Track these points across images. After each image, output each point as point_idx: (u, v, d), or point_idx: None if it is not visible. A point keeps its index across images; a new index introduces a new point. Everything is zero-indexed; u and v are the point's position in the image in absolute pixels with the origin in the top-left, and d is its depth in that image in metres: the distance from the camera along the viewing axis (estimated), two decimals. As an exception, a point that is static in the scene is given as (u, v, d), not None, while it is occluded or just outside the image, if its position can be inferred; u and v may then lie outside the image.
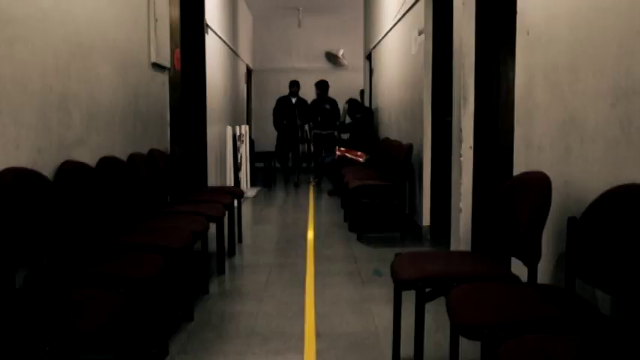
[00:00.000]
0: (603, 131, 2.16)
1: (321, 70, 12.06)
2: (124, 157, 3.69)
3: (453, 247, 4.23)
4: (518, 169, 3.03)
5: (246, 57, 10.89)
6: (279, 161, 10.13)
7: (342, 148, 8.03)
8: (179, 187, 4.64)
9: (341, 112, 9.60)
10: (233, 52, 8.94)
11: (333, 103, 9.64)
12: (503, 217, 2.52)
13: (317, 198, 8.39)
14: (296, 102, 9.80)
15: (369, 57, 9.93)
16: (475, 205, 3.94)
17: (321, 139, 9.62)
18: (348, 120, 9.03)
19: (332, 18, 12.29)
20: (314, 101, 9.72)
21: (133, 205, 3.51)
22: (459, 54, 4.04)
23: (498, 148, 3.63)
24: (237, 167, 7.67)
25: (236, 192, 5.18)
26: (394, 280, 2.52)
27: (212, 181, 6.80)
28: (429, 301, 2.39)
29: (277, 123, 9.87)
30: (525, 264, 2.27)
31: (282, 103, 9.90)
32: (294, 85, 9.92)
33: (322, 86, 9.67)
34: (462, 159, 3.97)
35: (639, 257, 1.68)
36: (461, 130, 3.98)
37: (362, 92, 10.91)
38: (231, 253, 4.82)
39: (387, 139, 7.14)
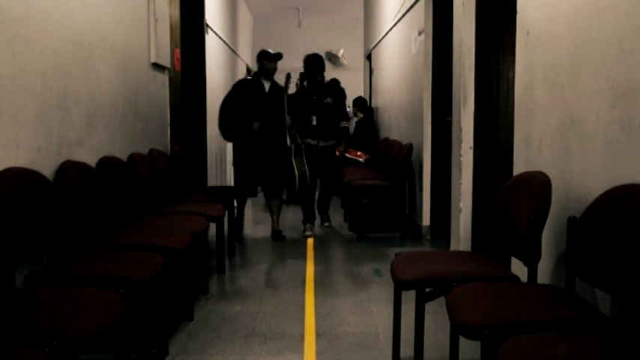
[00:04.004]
0: (603, 131, 2.16)
1: (321, 70, 12.04)
2: (124, 157, 3.69)
3: (453, 247, 4.23)
4: (518, 169, 3.03)
5: (246, 57, 10.89)
6: (243, 197, 5.60)
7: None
8: (179, 187, 4.64)
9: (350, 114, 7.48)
10: (233, 52, 8.93)
11: (338, 93, 5.85)
12: (503, 217, 2.52)
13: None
14: (271, 88, 5.42)
15: (369, 57, 9.93)
16: (475, 205, 3.94)
17: (316, 155, 5.64)
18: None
19: (332, 18, 12.29)
20: (301, 92, 5.84)
21: (133, 205, 3.51)
22: (458, 54, 4.04)
23: (498, 148, 3.63)
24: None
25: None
26: (394, 280, 2.52)
27: (212, 181, 6.80)
28: (429, 301, 2.39)
29: (233, 127, 5.36)
30: (525, 264, 2.27)
31: (246, 89, 5.40)
32: (267, 58, 5.42)
33: (316, 64, 5.64)
34: (461, 159, 3.97)
35: (639, 257, 1.68)
36: (461, 130, 3.97)
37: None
38: (231, 253, 4.81)
39: (387, 139, 7.14)
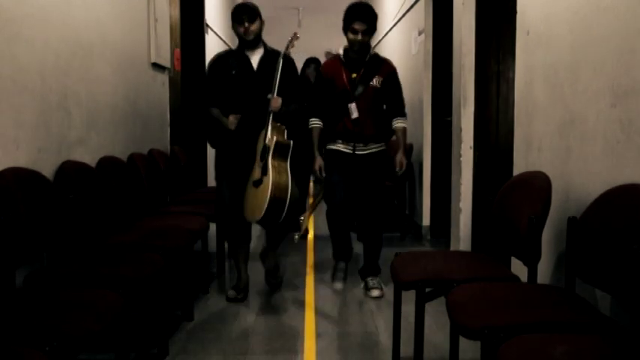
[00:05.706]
0: (603, 131, 2.16)
1: (321, 70, 12.04)
2: (124, 157, 3.69)
3: (453, 247, 4.23)
4: (518, 169, 3.03)
5: (246, 57, 10.88)
6: (228, 227, 3.64)
7: None
8: (179, 187, 4.64)
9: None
10: (233, 52, 8.92)
11: (389, 70, 3.80)
12: (503, 217, 2.52)
13: (316, 197, 8.37)
14: (263, 62, 3.46)
15: (369, 57, 9.91)
16: (475, 205, 3.94)
17: (353, 169, 3.70)
18: None
19: (332, 18, 12.26)
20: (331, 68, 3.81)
21: (132, 205, 3.51)
22: (458, 54, 4.04)
23: (498, 148, 3.63)
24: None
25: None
26: (394, 280, 2.52)
27: (212, 181, 6.78)
28: (429, 301, 2.38)
29: (212, 127, 3.52)
30: (525, 264, 2.27)
31: (225, 67, 3.48)
32: (249, 14, 3.39)
33: (358, 15, 3.69)
34: (461, 159, 3.97)
35: (639, 257, 1.68)
36: (461, 130, 3.97)
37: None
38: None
39: (387, 139, 7.12)
